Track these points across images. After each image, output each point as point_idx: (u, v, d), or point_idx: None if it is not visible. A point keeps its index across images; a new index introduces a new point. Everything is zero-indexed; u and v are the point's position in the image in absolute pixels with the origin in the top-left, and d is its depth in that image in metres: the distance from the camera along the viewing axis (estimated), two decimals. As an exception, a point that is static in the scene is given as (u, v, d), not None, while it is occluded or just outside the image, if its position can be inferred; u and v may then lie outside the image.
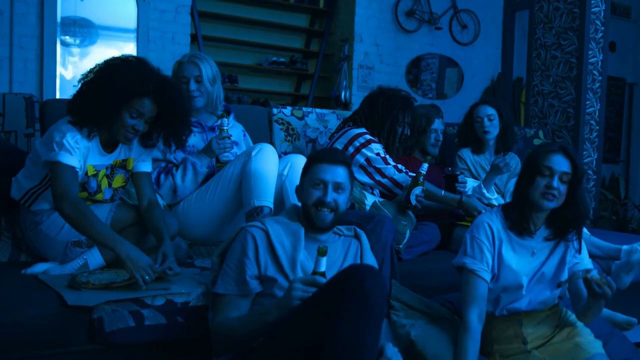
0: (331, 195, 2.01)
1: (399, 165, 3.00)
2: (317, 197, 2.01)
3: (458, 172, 3.11)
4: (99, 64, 2.29)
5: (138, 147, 2.46)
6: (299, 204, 2.10)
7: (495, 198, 3.20)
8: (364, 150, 2.95)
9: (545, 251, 2.14)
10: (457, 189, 3.04)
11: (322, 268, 1.75)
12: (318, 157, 2.08)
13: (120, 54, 2.37)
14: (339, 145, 3.00)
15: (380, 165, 2.95)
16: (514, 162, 3.43)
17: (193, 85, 2.80)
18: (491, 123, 3.49)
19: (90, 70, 2.28)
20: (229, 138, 2.74)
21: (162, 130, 2.40)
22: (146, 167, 2.51)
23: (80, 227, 2.15)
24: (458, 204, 2.96)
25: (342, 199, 2.04)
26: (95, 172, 2.36)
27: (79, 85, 2.27)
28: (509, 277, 2.10)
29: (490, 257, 2.10)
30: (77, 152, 2.21)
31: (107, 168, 2.39)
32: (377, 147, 2.98)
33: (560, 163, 2.05)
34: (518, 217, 2.11)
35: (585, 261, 2.19)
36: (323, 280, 1.73)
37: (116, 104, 2.22)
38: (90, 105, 2.21)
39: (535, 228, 2.12)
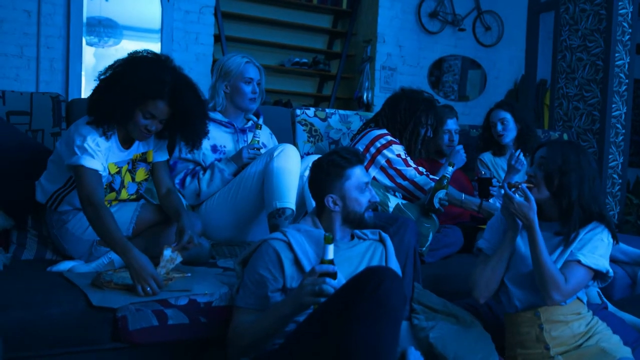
0: (376, 196, 2.09)
1: (420, 168, 2.98)
2: (368, 199, 2.05)
3: (490, 175, 3.09)
4: (118, 60, 2.29)
5: (154, 139, 2.47)
6: (313, 204, 2.11)
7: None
8: (385, 151, 2.94)
9: (551, 244, 2.12)
10: (490, 192, 3.01)
11: (329, 256, 1.74)
12: (348, 159, 2.05)
13: (141, 49, 2.36)
14: (360, 146, 2.99)
15: (401, 167, 2.93)
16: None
17: (257, 89, 2.88)
18: (504, 127, 3.47)
19: (109, 67, 2.27)
20: (259, 149, 2.75)
21: (176, 132, 2.40)
22: (163, 156, 2.53)
23: (96, 230, 2.16)
24: (478, 208, 2.95)
25: None
26: (118, 169, 2.38)
27: (98, 82, 2.27)
28: (517, 261, 2.15)
29: (499, 237, 2.20)
30: (99, 154, 2.23)
31: (128, 163, 2.41)
32: (398, 149, 2.97)
33: (540, 151, 2.17)
34: None
35: (580, 255, 2.11)
36: (331, 267, 1.73)
37: (130, 105, 2.23)
38: (105, 103, 2.21)
39: (544, 220, 2.13)
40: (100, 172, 2.23)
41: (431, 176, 2.96)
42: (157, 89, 2.22)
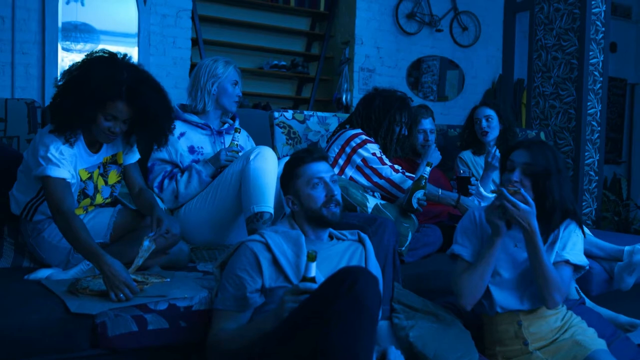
0: (335, 189, 2.04)
1: (396, 166, 3.00)
2: (324, 195, 2.03)
3: (468, 174, 3.11)
4: (73, 64, 2.25)
5: (122, 140, 2.45)
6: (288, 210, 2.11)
7: (494, 196, 3.20)
8: (360, 150, 2.96)
9: None
10: (469, 190, 3.04)
11: (312, 274, 1.75)
12: (301, 158, 2.08)
13: (98, 50, 2.34)
14: (335, 147, 3.01)
15: (377, 165, 2.95)
16: None
17: (240, 92, 2.93)
18: (489, 124, 3.52)
19: (65, 72, 2.24)
20: (237, 152, 2.75)
21: (141, 130, 2.37)
22: (133, 157, 2.52)
23: (68, 238, 2.15)
24: (456, 203, 2.97)
25: (340, 191, 2.08)
26: (89, 174, 2.35)
27: (56, 89, 2.24)
28: (498, 266, 2.14)
29: (476, 241, 2.17)
30: (65, 162, 2.20)
31: (99, 167, 2.39)
32: (373, 147, 2.99)
33: (520, 155, 2.09)
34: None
35: (564, 253, 2.16)
36: (313, 286, 1.73)
37: (90, 109, 2.20)
38: (65, 110, 2.19)
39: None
40: (68, 180, 2.21)
41: (407, 174, 2.98)
42: (114, 90, 2.19)
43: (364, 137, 3.00)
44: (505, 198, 2.01)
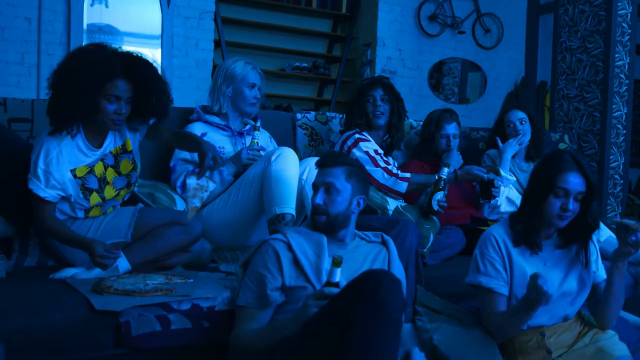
0: (320, 197, 2.01)
1: (390, 167, 2.96)
2: (312, 202, 2.04)
3: (493, 177, 3.07)
4: (59, 64, 2.26)
5: (126, 126, 2.45)
6: None
7: (514, 181, 3.19)
8: (354, 150, 2.97)
9: (562, 264, 2.12)
10: (492, 193, 3.00)
11: (336, 279, 1.74)
12: (317, 162, 2.11)
13: (79, 47, 2.39)
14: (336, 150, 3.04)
15: (369, 166, 2.90)
16: None
17: (258, 94, 2.93)
18: (523, 127, 3.47)
19: (54, 73, 2.25)
20: (259, 151, 2.76)
21: (144, 104, 2.36)
22: (147, 126, 2.52)
23: (60, 239, 2.32)
24: (454, 180, 2.93)
25: (336, 200, 2.01)
26: (89, 168, 2.35)
27: (50, 92, 2.25)
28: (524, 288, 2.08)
29: (503, 271, 2.09)
30: (49, 176, 2.24)
31: (103, 159, 2.39)
32: (366, 146, 2.98)
33: (575, 183, 2.02)
34: (526, 231, 2.09)
35: (600, 271, 2.19)
36: (336, 291, 1.72)
37: (91, 97, 2.21)
38: (66, 107, 2.20)
39: (546, 238, 2.12)
40: (49, 199, 2.26)
41: (401, 175, 2.93)
42: (110, 70, 2.21)
43: (357, 136, 3.01)
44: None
